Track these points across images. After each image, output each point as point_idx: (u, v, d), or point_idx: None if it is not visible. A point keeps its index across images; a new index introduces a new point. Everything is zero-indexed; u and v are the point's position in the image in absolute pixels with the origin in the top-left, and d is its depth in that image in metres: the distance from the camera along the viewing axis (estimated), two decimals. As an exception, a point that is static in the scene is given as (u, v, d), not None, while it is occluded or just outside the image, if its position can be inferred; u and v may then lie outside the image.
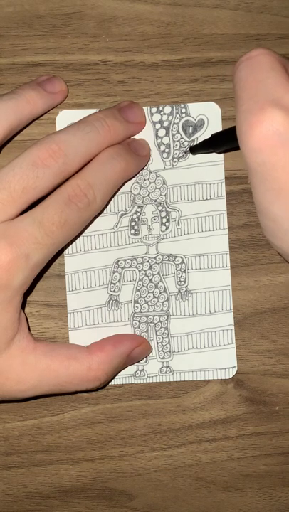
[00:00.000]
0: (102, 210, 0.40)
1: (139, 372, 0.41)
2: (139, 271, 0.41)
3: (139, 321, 0.41)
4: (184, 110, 0.40)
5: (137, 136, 0.40)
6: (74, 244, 0.41)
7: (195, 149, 0.40)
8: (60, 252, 0.40)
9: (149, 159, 0.41)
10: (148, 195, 0.41)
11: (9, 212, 0.35)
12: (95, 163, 0.37)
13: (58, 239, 0.36)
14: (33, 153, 0.36)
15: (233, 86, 0.33)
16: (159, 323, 0.41)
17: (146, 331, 0.41)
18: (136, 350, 0.40)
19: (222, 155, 0.40)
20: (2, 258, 0.35)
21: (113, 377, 0.41)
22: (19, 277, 0.35)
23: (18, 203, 0.35)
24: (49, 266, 0.41)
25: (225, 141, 0.38)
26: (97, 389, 0.40)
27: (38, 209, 0.36)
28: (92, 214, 0.37)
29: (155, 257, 0.41)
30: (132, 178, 0.40)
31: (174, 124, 0.40)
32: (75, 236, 0.37)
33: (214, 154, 0.40)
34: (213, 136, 0.39)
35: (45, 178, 0.35)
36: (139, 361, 0.41)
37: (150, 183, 0.41)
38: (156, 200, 0.41)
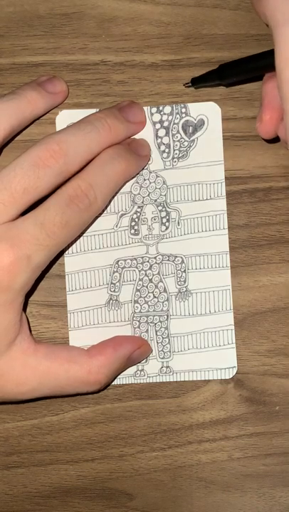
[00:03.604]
0: (103, 211, 0.40)
1: (139, 372, 0.41)
2: (139, 271, 0.41)
3: (139, 321, 0.41)
4: (184, 110, 0.40)
5: (137, 136, 0.40)
6: (74, 244, 0.41)
7: (198, 81, 0.39)
8: (61, 253, 0.40)
9: (149, 159, 0.40)
10: (148, 195, 0.41)
11: (10, 213, 0.35)
12: (95, 164, 0.37)
13: (60, 240, 0.36)
14: (33, 153, 0.35)
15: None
16: (159, 323, 0.41)
17: (146, 331, 0.41)
18: (136, 353, 0.40)
19: (222, 155, 0.40)
20: (4, 260, 0.35)
21: (113, 379, 0.41)
22: (21, 279, 0.35)
23: (19, 204, 0.35)
24: (50, 267, 0.40)
25: (236, 72, 0.37)
26: (97, 391, 0.40)
27: (39, 210, 0.36)
28: (93, 215, 0.37)
29: (155, 257, 0.41)
30: (132, 178, 0.40)
31: (174, 124, 0.40)
32: (76, 237, 0.37)
33: (214, 154, 0.40)
34: (222, 66, 0.38)
35: (46, 178, 0.35)
36: (139, 362, 0.41)
37: (150, 183, 0.41)
38: (156, 200, 0.41)
